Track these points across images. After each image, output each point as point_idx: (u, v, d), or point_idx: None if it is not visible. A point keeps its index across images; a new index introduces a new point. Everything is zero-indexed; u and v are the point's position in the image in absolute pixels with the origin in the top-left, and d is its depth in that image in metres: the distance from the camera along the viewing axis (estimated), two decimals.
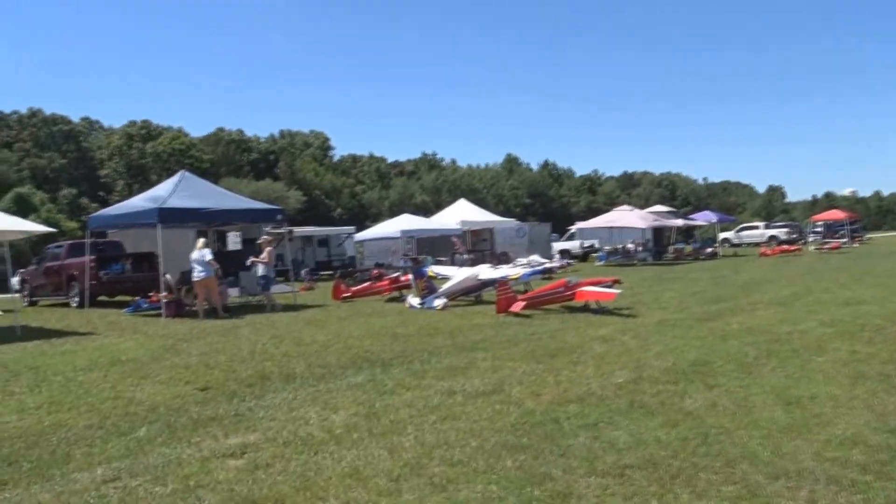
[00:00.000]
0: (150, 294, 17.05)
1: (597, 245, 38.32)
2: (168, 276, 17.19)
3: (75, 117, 79.58)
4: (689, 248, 37.12)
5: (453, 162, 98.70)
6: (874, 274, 19.31)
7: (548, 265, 20.29)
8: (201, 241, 15.81)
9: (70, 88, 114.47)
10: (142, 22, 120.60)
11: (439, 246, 30.25)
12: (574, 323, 11.57)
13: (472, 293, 15.82)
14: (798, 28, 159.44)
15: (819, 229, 48.60)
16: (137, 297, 17.71)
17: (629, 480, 4.24)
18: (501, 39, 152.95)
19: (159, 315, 15.38)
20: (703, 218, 41.92)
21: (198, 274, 15.20)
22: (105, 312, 17.22)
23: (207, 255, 15.27)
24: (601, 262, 32.76)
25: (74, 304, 19.55)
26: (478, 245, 32.83)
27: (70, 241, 23.25)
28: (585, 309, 13.10)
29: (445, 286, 15.61)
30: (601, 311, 12.80)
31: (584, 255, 38.46)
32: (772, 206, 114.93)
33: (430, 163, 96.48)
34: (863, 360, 7.43)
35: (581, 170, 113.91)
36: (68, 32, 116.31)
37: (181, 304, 16.23)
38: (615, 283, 14.15)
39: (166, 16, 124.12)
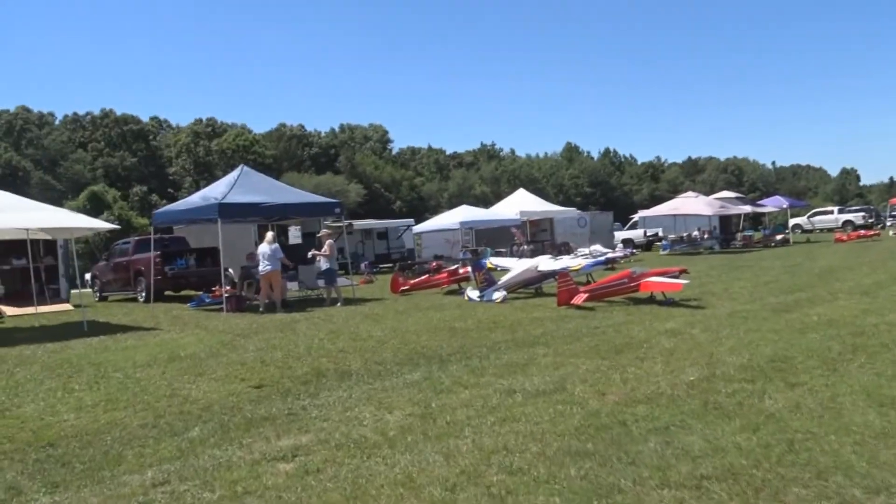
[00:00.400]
0: (214, 289, 17.26)
1: (661, 234, 37.25)
2: (231, 271, 17.38)
3: (145, 117, 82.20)
4: (758, 235, 35.77)
5: (512, 152, 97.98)
6: None
7: (610, 255, 19.70)
8: (270, 234, 15.86)
9: (140, 89, 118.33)
10: (204, 21, 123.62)
11: (498, 237, 29.86)
12: (639, 316, 11.09)
13: (532, 285, 15.44)
14: None
15: None
16: (201, 292, 17.99)
17: (707, 494, 3.85)
18: (557, 26, 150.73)
19: (221, 310, 15.52)
20: (772, 203, 40.29)
21: (264, 267, 15.27)
22: (170, 307, 17.52)
23: (279, 250, 15.37)
24: (665, 252, 31.81)
25: (141, 300, 20.01)
26: (538, 235, 32.30)
27: (137, 238, 23.84)
28: (651, 300, 12.58)
29: (505, 278, 15.27)
30: (668, 302, 12.26)
31: (648, 245, 37.47)
32: (845, 189, 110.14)
33: (488, 153, 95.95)
34: None
35: (643, 157, 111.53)
36: (136, 35, 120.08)
37: (242, 299, 16.36)
38: (682, 272, 13.57)
39: (228, 14, 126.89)
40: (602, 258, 17.86)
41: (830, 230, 44.16)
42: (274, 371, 8.16)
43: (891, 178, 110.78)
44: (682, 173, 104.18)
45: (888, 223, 43.93)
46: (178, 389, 7.40)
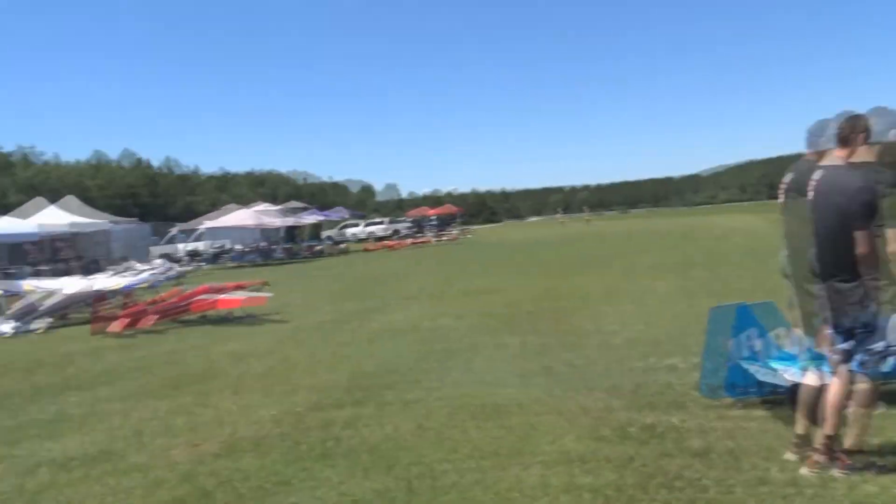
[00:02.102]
0: None
1: (228, 245, 35.65)
2: None
3: None
4: (321, 246, 36.99)
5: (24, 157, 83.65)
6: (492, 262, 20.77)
7: (159, 272, 16.80)
8: None
9: None
10: None
11: (8, 254, 24.43)
12: (203, 340, 9.46)
13: (57, 312, 12.43)
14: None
15: (434, 223, 53.84)
16: None
17: None
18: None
19: None
20: (336, 214, 42.90)
21: None
22: None
23: None
24: (235, 263, 31.11)
25: None
26: (62, 252, 27.24)
27: None
28: (205, 320, 10.95)
29: (50, 302, 12.21)
30: (247, 318, 10.97)
31: (215, 257, 35.28)
32: (364, 204, 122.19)
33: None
34: (539, 351, 6.92)
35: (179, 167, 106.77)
36: None
37: None
38: (264, 285, 12.61)
39: None
40: (145, 275, 15.26)
41: (361, 240, 47.43)
42: None
43: (401, 196, 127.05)
44: (216, 188, 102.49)
45: (402, 232, 49.76)
46: None
